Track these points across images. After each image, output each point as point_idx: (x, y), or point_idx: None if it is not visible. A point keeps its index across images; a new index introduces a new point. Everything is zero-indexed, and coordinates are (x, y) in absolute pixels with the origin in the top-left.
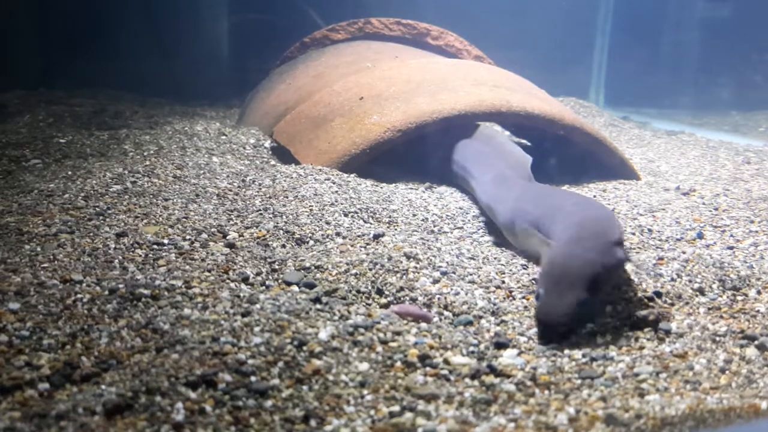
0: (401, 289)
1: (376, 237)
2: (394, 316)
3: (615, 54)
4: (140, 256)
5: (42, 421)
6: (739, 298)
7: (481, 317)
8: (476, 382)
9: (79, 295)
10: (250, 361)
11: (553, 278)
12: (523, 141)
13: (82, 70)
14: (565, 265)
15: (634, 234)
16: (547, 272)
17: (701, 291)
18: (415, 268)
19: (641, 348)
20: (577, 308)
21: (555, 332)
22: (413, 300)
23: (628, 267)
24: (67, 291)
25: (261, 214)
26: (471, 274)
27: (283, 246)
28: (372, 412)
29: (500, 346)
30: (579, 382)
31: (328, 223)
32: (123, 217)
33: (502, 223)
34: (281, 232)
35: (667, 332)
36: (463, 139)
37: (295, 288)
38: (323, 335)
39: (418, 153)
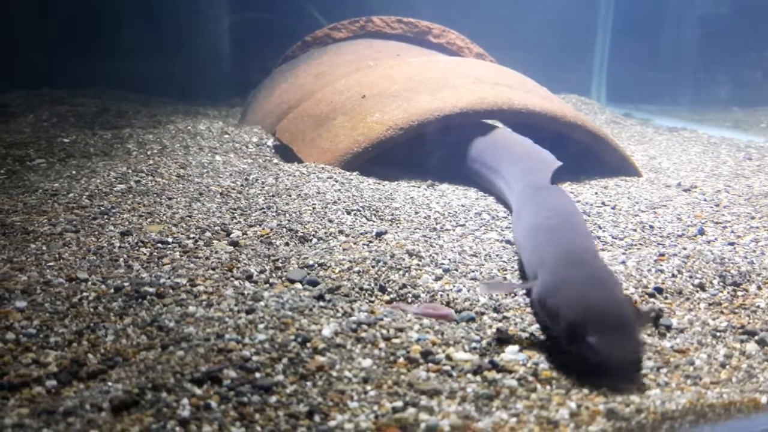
0: (404, 286)
1: (379, 235)
2: (398, 313)
3: (616, 51)
4: (145, 254)
5: (50, 417)
6: (739, 293)
7: (483, 314)
8: (478, 378)
9: (84, 294)
10: (255, 358)
11: (599, 323)
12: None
13: (85, 70)
14: (604, 307)
15: (635, 230)
16: (580, 320)
17: (702, 287)
18: (418, 265)
19: (642, 343)
20: (640, 345)
21: (628, 372)
22: (416, 297)
23: (630, 264)
24: (72, 289)
25: (264, 212)
26: (473, 271)
27: (287, 244)
28: (375, 407)
29: (502, 342)
30: (580, 377)
31: (330, 221)
32: (127, 215)
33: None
34: (284, 230)
35: (668, 328)
36: (484, 139)
37: (298, 285)
38: (327, 332)
39: (420, 151)
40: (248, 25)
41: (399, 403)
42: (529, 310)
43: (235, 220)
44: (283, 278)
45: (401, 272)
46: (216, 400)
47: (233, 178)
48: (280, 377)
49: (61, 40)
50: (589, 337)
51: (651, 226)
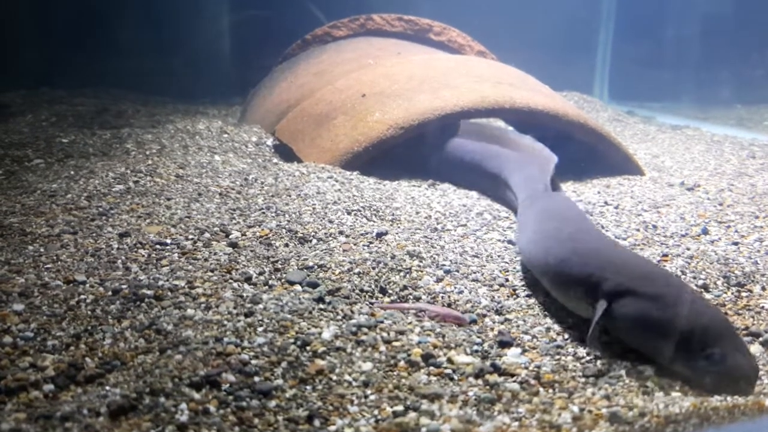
0: (405, 287)
1: (379, 235)
2: (398, 315)
3: (619, 48)
4: (143, 256)
5: (47, 422)
6: (743, 294)
7: (485, 316)
8: (480, 381)
9: (82, 296)
10: (254, 362)
11: (716, 338)
12: (527, 137)
13: (84, 70)
14: (712, 320)
15: (638, 230)
16: (709, 336)
17: (706, 287)
18: (419, 266)
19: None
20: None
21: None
22: (417, 299)
23: None
24: (70, 292)
25: (263, 212)
26: (474, 272)
27: (286, 245)
28: (376, 411)
29: (504, 344)
30: (583, 380)
31: (330, 221)
32: (126, 216)
33: None
34: (284, 230)
35: None
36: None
37: (298, 287)
38: (326, 335)
39: (421, 150)
40: (248, 24)
41: (400, 408)
42: (531, 312)
43: (234, 221)
44: (283, 280)
45: (402, 274)
46: (215, 405)
47: (232, 178)
48: (280, 381)
49: (61, 40)
50: (717, 349)
51: (654, 226)
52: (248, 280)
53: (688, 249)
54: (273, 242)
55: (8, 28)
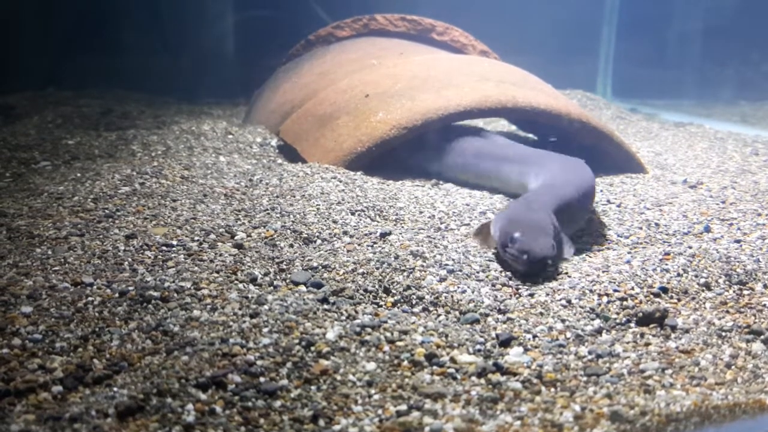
0: (408, 287)
1: (383, 235)
2: (402, 315)
3: (622, 46)
4: (149, 257)
5: (56, 423)
6: (745, 292)
7: (487, 315)
8: (483, 381)
9: (90, 298)
10: (259, 362)
11: (526, 226)
12: (530, 136)
13: (89, 70)
14: (531, 218)
15: (641, 228)
16: (514, 221)
17: (707, 286)
18: (422, 266)
19: (647, 344)
20: (552, 250)
21: (540, 266)
22: (420, 298)
23: (635, 263)
24: (78, 294)
25: (268, 213)
26: (477, 272)
27: (291, 245)
28: (380, 411)
29: (506, 344)
30: (585, 379)
31: (335, 221)
32: (132, 218)
33: None
34: (289, 231)
35: (673, 328)
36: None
37: (302, 288)
38: (331, 335)
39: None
40: (252, 24)
41: (403, 407)
42: (533, 311)
43: (239, 222)
44: (287, 281)
45: (405, 273)
46: (221, 405)
47: (237, 179)
48: (285, 381)
49: (66, 41)
50: (513, 233)
51: (657, 224)
52: (253, 281)
53: (690, 247)
54: (278, 243)
55: (13, 29)
